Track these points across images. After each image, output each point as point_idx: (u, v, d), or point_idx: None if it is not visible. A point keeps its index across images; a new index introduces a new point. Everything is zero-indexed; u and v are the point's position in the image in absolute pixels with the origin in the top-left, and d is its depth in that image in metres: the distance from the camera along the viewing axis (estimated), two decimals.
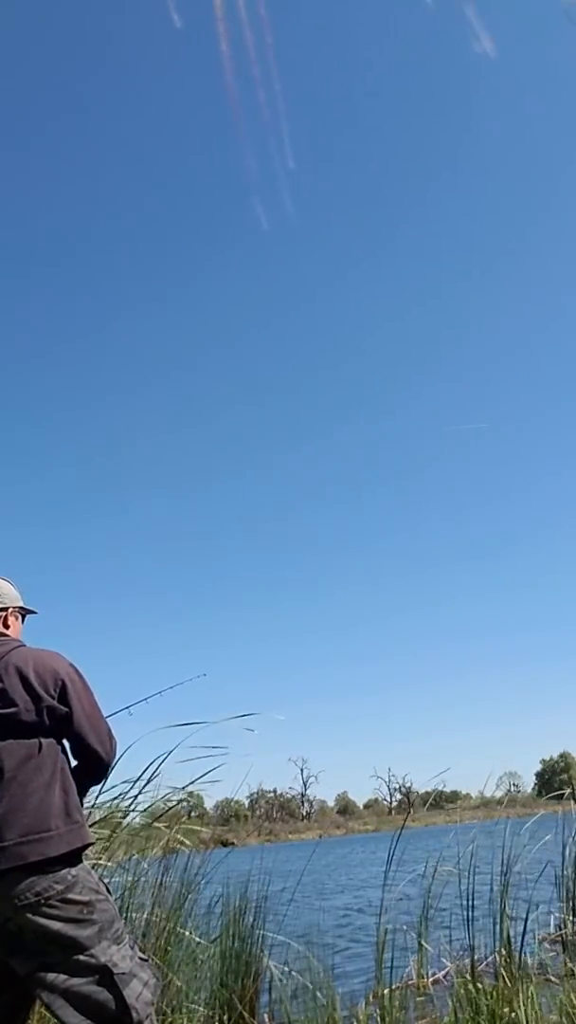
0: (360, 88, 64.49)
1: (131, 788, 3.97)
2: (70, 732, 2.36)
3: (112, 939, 2.21)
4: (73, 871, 2.20)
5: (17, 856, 2.11)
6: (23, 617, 2.65)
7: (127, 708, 3.64)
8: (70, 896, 2.16)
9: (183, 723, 3.93)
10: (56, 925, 2.12)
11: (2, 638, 2.45)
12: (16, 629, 2.57)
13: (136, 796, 4.00)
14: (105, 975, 2.13)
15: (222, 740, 3.97)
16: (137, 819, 4.27)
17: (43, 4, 47.12)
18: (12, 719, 2.25)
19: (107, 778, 2.74)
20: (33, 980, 2.11)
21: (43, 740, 2.28)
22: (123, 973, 2.16)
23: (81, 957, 2.13)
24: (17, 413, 74.22)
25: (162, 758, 3.90)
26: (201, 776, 4.03)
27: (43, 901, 2.11)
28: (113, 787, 3.93)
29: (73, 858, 2.22)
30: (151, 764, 3.93)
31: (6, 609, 2.53)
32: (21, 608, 2.62)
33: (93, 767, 2.45)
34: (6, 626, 2.52)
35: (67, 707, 2.33)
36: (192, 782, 4.07)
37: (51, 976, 2.10)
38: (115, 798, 3.98)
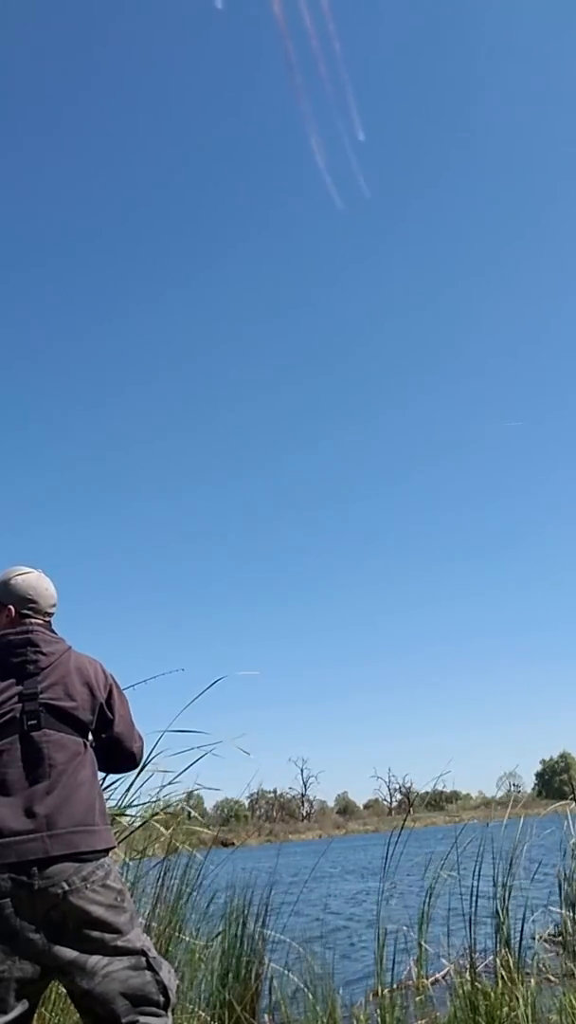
0: (364, 85, 64.46)
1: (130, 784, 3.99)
2: (111, 736, 2.49)
3: (140, 927, 2.33)
4: (108, 860, 2.31)
5: (70, 844, 2.19)
6: None
7: None
8: (108, 883, 2.24)
9: (183, 730, 3.99)
10: (99, 910, 2.19)
11: (58, 636, 2.54)
12: None
13: (131, 790, 4.01)
14: (143, 958, 2.23)
15: (204, 723, 4.06)
16: (136, 819, 4.27)
17: None
18: (69, 714, 2.34)
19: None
20: (73, 966, 2.15)
21: (87, 741, 2.40)
22: (155, 957, 2.27)
23: (120, 942, 2.21)
24: (18, 412, 74.31)
25: (149, 754, 3.91)
26: (195, 762, 4.06)
27: (87, 886, 2.19)
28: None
29: (107, 855, 2.33)
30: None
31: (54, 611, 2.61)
32: None
33: (123, 765, 2.67)
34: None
35: (112, 714, 2.47)
36: (187, 768, 4.08)
37: (92, 960, 2.16)
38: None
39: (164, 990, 2.22)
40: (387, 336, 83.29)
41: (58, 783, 2.25)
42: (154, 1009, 2.20)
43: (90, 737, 2.47)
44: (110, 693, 2.48)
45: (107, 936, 2.19)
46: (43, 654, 2.38)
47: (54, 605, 2.57)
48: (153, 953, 2.27)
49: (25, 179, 68.41)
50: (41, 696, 2.32)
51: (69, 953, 2.15)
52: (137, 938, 2.25)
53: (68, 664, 2.41)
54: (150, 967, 2.23)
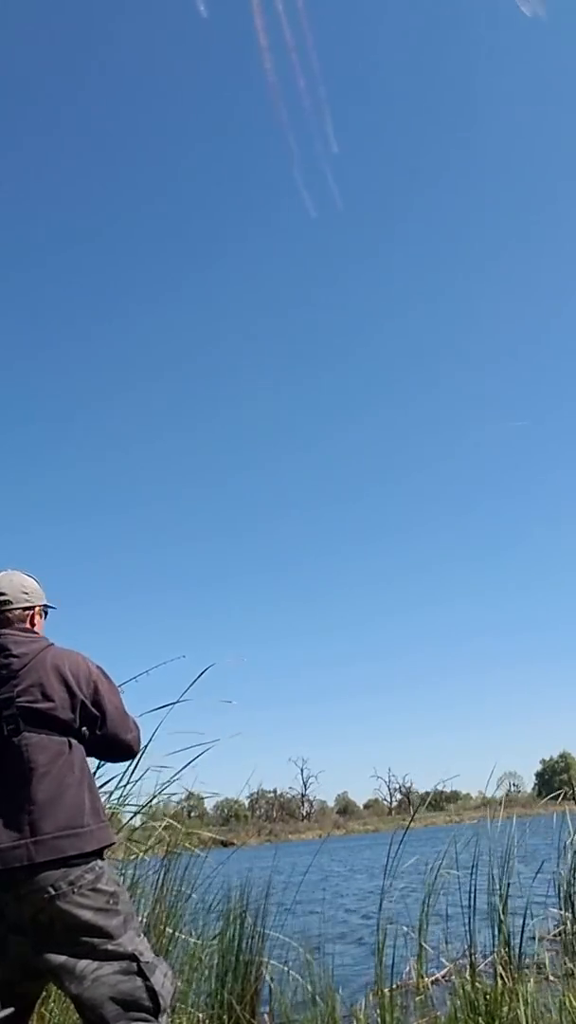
0: (364, 85, 64.45)
1: (123, 780, 3.99)
2: (104, 732, 2.43)
3: (135, 930, 2.28)
4: (100, 863, 2.27)
5: (56, 849, 2.16)
6: (45, 614, 2.67)
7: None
8: (99, 886, 2.21)
9: (154, 708, 3.94)
10: (87, 914, 2.16)
11: (33, 635, 2.48)
12: (40, 627, 2.59)
13: (128, 787, 4.01)
14: (133, 963, 2.19)
15: (202, 722, 4.07)
16: (136, 819, 4.28)
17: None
18: (48, 715, 2.30)
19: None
20: (62, 970, 2.14)
21: (72, 740, 2.35)
22: (148, 962, 2.22)
23: (110, 946, 2.18)
24: (18, 412, 74.33)
25: (146, 743, 3.91)
26: (192, 760, 4.06)
27: (75, 890, 2.16)
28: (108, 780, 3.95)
29: (100, 854, 2.29)
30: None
31: (33, 607, 2.55)
32: (44, 606, 2.64)
33: (121, 757, 2.63)
34: (32, 624, 2.54)
35: (100, 709, 2.40)
36: (185, 766, 4.08)
37: (82, 964, 2.14)
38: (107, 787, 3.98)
39: (155, 997, 2.18)
40: (387, 336, 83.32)
41: (41, 787, 2.22)
42: (144, 1015, 2.16)
43: (84, 731, 2.42)
44: (95, 688, 2.41)
45: (97, 940, 2.16)
46: (15, 657, 2.34)
47: (27, 599, 2.52)
48: (146, 957, 2.23)
49: (25, 179, 68.40)
50: (18, 700, 2.28)
51: (57, 958, 2.14)
52: (129, 942, 2.21)
53: (45, 663, 2.35)
54: (141, 972, 2.18)
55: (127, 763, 3.30)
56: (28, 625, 2.51)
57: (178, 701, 4.01)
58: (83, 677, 2.39)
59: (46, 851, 2.15)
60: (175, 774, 4.11)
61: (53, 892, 2.14)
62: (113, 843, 2.41)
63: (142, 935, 2.32)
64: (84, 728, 2.40)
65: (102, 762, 2.89)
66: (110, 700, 2.44)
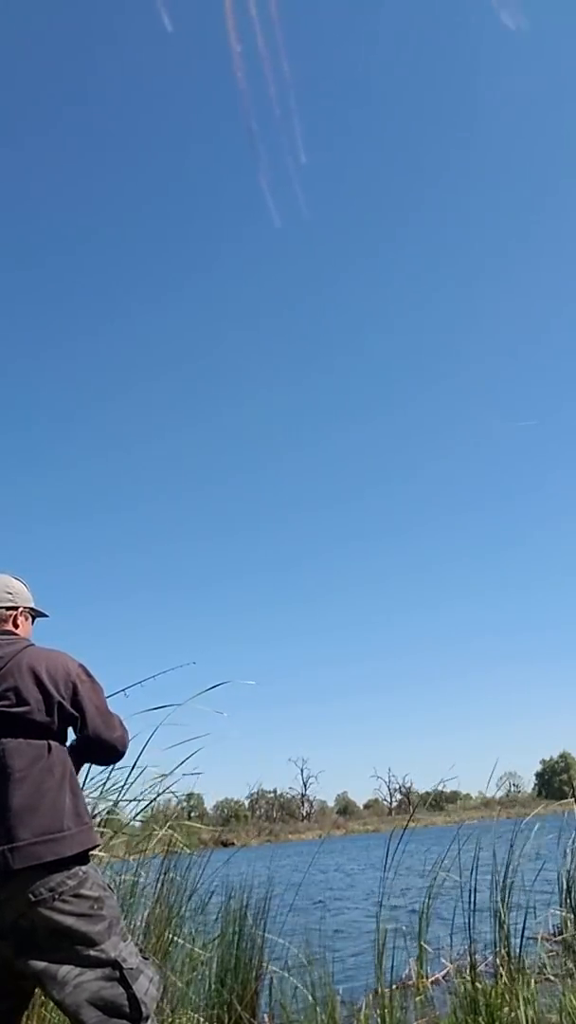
0: (364, 83, 64.45)
1: (124, 779, 3.99)
2: (85, 733, 2.39)
3: (120, 935, 2.26)
4: (84, 868, 2.25)
5: (33, 856, 2.14)
6: (33, 619, 2.65)
7: (123, 690, 3.68)
8: (82, 892, 2.19)
9: (155, 707, 3.91)
10: (69, 920, 2.15)
11: (12, 637, 2.46)
12: (25, 630, 2.58)
13: (126, 787, 4.01)
14: (116, 970, 2.17)
15: (199, 724, 4.01)
16: (136, 819, 4.27)
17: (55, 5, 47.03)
18: (24, 718, 2.27)
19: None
20: (44, 976, 2.13)
21: (52, 742, 2.31)
22: (132, 968, 2.20)
23: (92, 952, 2.16)
24: (19, 412, 74.36)
25: (143, 744, 3.88)
26: (183, 761, 4.04)
27: (56, 896, 2.15)
28: (102, 774, 3.94)
29: (83, 858, 2.27)
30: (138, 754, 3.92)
31: (16, 608, 2.54)
32: (32, 609, 2.63)
33: (107, 758, 2.57)
34: (15, 626, 2.53)
35: (80, 710, 2.36)
36: (176, 767, 4.08)
37: (63, 970, 2.12)
38: (104, 784, 3.98)
39: (136, 1004, 2.15)
40: (387, 335, 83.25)
41: (18, 792, 2.19)
42: (125, 1022, 2.14)
43: (70, 733, 2.40)
44: (74, 689, 2.36)
45: (79, 946, 2.15)
46: None
47: (11, 600, 2.53)
48: (130, 963, 2.20)
49: (25, 179, 68.33)
50: None
51: (39, 963, 2.13)
52: (113, 948, 2.19)
53: (20, 666, 2.33)
54: (123, 980, 2.16)
55: (122, 762, 3.25)
56: (10, 627, 2.51)
57: (178, 704, 4.00)
58: (61, 678, 2.35)
59: (23, 858, 2.13)
60: (171, 771, 4.09)
61: (33, 899, 2.12)
62: (97, 845, 2.37)
63: (128, 939, 2.29)
64: (69, 729, 2.37)
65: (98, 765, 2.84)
66: (90, 700, 2.39)
